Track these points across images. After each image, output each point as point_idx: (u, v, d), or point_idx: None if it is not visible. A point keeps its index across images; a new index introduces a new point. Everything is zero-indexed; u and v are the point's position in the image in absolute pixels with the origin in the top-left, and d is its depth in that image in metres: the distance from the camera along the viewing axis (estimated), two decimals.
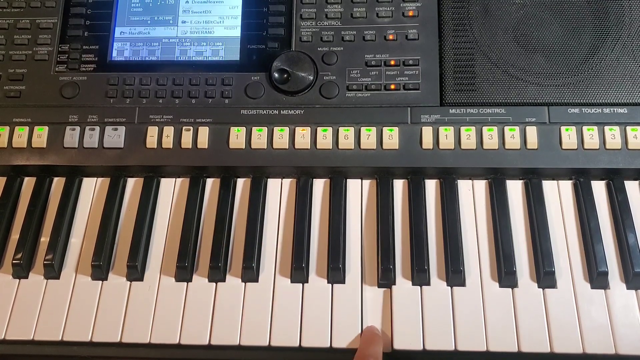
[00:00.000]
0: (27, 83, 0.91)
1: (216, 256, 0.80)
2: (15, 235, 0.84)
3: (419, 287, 0.78)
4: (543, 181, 0.84)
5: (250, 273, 0.79)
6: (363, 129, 0.86)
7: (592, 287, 0.77)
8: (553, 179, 0.85)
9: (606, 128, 0.84)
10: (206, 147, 0.86)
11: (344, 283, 0.79)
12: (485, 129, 0.85)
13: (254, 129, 0.87)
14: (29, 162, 0.88)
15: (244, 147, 0.86)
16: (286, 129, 0.86)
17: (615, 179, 0.84)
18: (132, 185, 0.88)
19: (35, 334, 0.78)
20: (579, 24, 0.88)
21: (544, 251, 0.78)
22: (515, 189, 0.85)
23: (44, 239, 0.84)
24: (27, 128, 0.88)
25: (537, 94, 0.86)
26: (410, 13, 0.90)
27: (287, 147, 0.86)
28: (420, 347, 0.75)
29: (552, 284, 0.78)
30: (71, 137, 0.88)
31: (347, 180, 0.86)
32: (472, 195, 0.85)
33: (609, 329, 0.75)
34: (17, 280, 0.82)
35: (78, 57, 0.92)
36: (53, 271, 0.81)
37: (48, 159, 0.87)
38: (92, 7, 0.94)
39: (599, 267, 0.77)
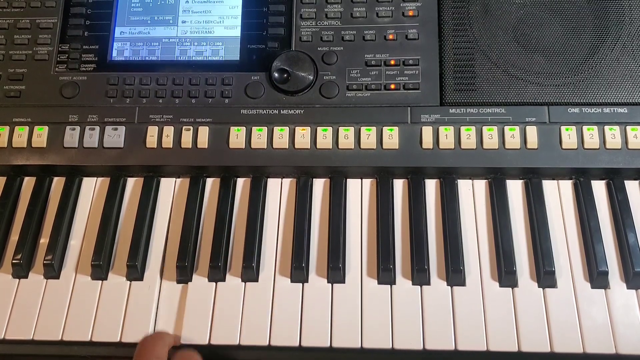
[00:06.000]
0: (27, 83, 0.91)
1: (216, 256, 0.80)
2: (15, 235, 0.84)
3: (419, 286, 0.78)
4: (543, 181, 0.84)
5: (250, 273, 0.79)
6: (363, 129, 0.86)
7: (592, 287, 0.77)
8: (553, 179, 0.85)
9: (606, 128, 0.84)
10: (206, 146, 0.86)
11: (344, 283, 0.79)
12: (485, 128, 0.85)
13: (254, 128, 0.87)
14: (28, 161, 0.88)
15: (244, 146, 0.86)
16: (286, 129, 0.86)
17: (615, 178, 0.84)
18: (132, 185, 0.88)
19: (35, 333, 0.78)
20: (579, 23, 0.88)
21: (544, 251, 0.78)
22: (515, 189, 0.85)
23: (44, 239, 0.84)
24: (27, 128, 0.88)
25: (537, 93, 0.86)
26: (410, 13, 0.90)
27: (287, 146, 0.86)
28: (420, 347, 0.75)
29: (552, 284, 0.78)
30: (71, 136, 0.88)
31: (347, 180, 0.86)
32: (472, 194, 0.85)
33: (609, 328, 0.75)
34: (17, 280, 0.82)
35: (78, 57, 0.92)
36: (53, 271, 0.81)
37: (48, 158, 0.87)
38: (92, 7, 0.94)
39: (599, 267, 0.77)
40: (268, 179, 0.87)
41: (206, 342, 0.76)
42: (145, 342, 0.73)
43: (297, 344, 0.76)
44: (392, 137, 0.85)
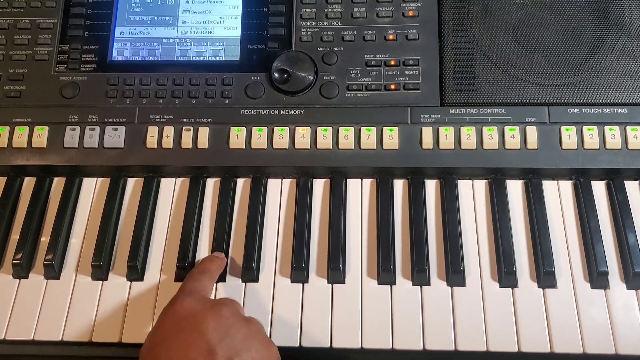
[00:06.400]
0: (27, 83, 0.91)
1: None
2: (15, 236, 0.84)
3: (419, 287, 0.78)
4: (543, 181, 0.84)
5: (251, 273, 0.79)
6: (363, 129, 0.86)
7: (592, 287, 0.78)
8: (553, 179, 0.85)
9: (606, 128, 0.84)
10: (206, 147, 0.86)
11: (344, 283, 0.79)
12: (485, 129, 0.85)
13: (254, 129, 0.87)
14: (29, 162, 0.88)
15: (244, 147, 0.86)
16: (286, 129, 0.86)
17: (615, 179, 0.84)
18: (132, 185, 0.88)
19: (35, 334, 0.78)
20: (579, 24, 0.88)
21: (544, 251, 0.78)
22: (515, 189, 0.85)
23: (44, 239, 0.84)
24: (27, 128, 0.88)
25: (537, 94, 0.86)
26: (410, 13, 0.90)
27: (287, 147, 0.86)
28: (420, 347, 0.75)
29: (552, 284, 0.78)
30: (71, 137, 0.88)
31: (347, 180, 0.86)
32: (472, 195, 0.85)
33: (609, 328, 0.75)
34: (17, 280, 0.82)
35: (78, 57, 0.92)
36: (53, 271, 0.81)
37: (48, 159, 0.87)
38: (92, 7, 0.94)
39: (599, 267, 0.77)
40: (268, 180, 0.87)
41: None
42: (206, 260, 0.79)
43: (297, 344, 0.76)
44: (392, 137, 0.85)
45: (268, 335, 0.76)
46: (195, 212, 0.84)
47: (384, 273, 0.78)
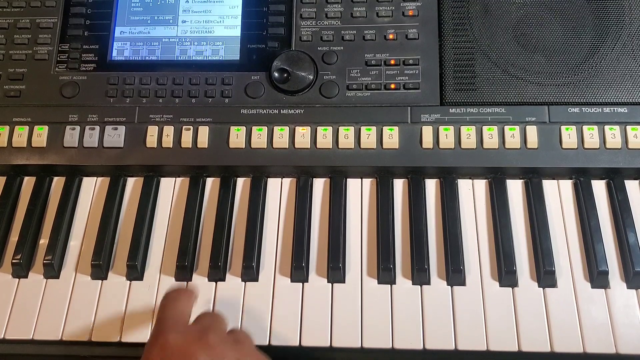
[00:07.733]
0: (27, 83, 0.91)
1: (216, 256, 0.80)
2: (15, 235, 0.84)
3: (419, 286, 0.78)
4: (543, 180, 0.84)
5: (250, 272, 0.79)
6: (363, 129, 0.86)
7: (593, 287, 0.77)
8: (553, 179, 0.85)
9: (606, 127, 0.84)
10: (206, 146, 0.86)
11: (344, 282, 0.79)
12: (485, 128, 0.85)
13: (254, 128, 0.87)
14: (29, 161, 0.87)
15: (244, 146, 0.86)
16: (286, 129, 0.86)
17: (615, 178, 0.84)
18: (132, 185, 0.88)
19: (34, 333, 0.78)
20: (579, 23, 0.88)
21: (544, 250, 0.78)
22: (515, 188, 0.85)
23: (44, 239, 0.84)
24: (27, 127, 0.88)
25: (537, 93, 0.86)
26: (410, 12, 0.90)
27: (287, 146, 0.86)
28: (420, 347, 0.75)
29: (553, 283, 0.78)
30: (71, 136, 0.88)
31: (347, 179, 0.86)
32: (472, 194, 0.85)
33: (610, 328, 0.75)
34: (17, 279, 0.82)
35: (78, 56, 0.92)
36: (53, 271, 0.81)
37: (48, 158, 0.87)
38: (92, 6, 0.94)
39: (599, 267, 0.77)
40: (268, 179, 0.87)
41: None
42: (169, 296, 0.72)
43: (297, 344, 0.76)
44: (392, 136, 0.85)
45: (268, 334, 0.76)
46: (195, 212, 0.84)
47: (384, 272, 0.78)
